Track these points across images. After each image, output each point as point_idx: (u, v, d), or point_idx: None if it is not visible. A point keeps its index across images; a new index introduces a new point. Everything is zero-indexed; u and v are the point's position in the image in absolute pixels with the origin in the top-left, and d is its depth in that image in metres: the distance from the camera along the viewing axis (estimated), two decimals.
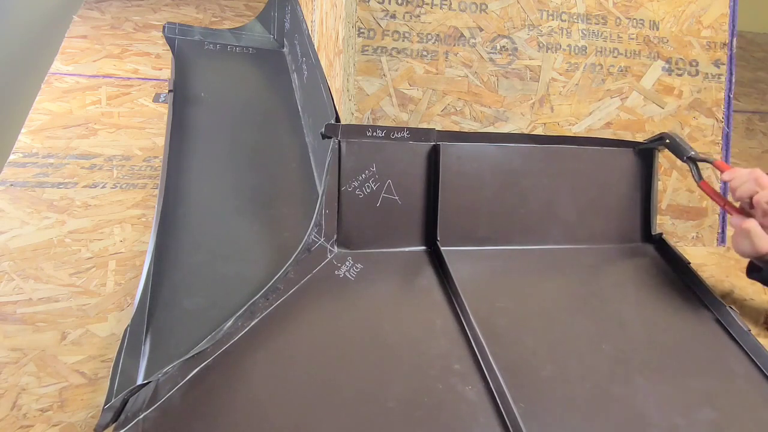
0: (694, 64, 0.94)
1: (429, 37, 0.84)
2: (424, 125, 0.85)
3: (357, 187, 0.82)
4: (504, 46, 0.86)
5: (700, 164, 0.83)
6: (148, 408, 0.58)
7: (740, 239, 0.73)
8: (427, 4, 0.83)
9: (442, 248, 0.84)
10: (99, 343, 0.73)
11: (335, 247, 0.83)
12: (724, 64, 0.95)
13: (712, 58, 0.95)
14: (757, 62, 2.08)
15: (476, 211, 0.86)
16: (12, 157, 1.04)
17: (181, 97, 1.12)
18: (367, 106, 0.83)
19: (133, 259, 0.86)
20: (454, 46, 0.84)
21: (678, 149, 0.85)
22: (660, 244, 0.91)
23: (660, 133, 0.88)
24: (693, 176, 0.82)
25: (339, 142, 0.81)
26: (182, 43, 1.32)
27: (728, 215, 0.77)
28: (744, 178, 0.74)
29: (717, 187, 0.97)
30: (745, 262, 0.81)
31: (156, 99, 1.26)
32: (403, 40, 0.83)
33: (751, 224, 0.71)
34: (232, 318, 0.67)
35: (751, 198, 0.73)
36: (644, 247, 0.92)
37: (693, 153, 0.82)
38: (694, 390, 0.67)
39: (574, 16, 0.88)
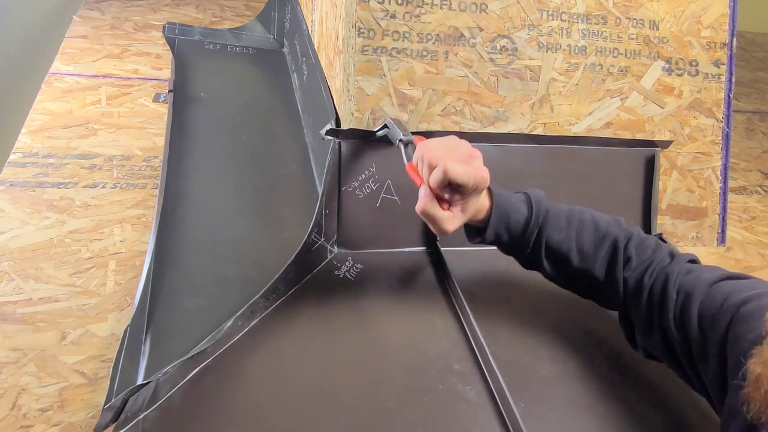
0: (694, 64, 0.94)
1: (429, 37, 0.84)
2: (424, 125, 0.85)
3: (357, 187, 0.82)
4: (504, 46, 0.86)
5: None
6: (148, 408, 0.58)
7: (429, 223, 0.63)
8: (427, 4, 0.83)
9: (442, 248, 0.84)
10: (99, 343, 0.73)
11: (335, 247, 0.83)
12: (724, 64, 0.95)
13: (712, 58, 0.95)
14: (757, 62, 2.08)
15: None
16: (12, 157, 1.04)
17: (181, 97, 1.12)
18: (367, 106, 0.83)
19: (133, 259, 0.86)
20: (454, 46, 0.84)
21: (392, 134, 0.77)
22: None
23: (384, 120, 0.80)
24: (403, 159, 0.73)
25: (339, 142, 0.81)
26: (182, 43, 1.32)
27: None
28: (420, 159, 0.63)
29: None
30: (747, 261, 0.81)
31: (156, 99, 1.26)
32: (403, 40, 0.83)
33: (425, 206, 0.61)
34: (232, 318, 0.67)
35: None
36: None
37: (403, 137, 0.74)
38: (693, 390, 0.66)
39: (574, 16, 0.88)
